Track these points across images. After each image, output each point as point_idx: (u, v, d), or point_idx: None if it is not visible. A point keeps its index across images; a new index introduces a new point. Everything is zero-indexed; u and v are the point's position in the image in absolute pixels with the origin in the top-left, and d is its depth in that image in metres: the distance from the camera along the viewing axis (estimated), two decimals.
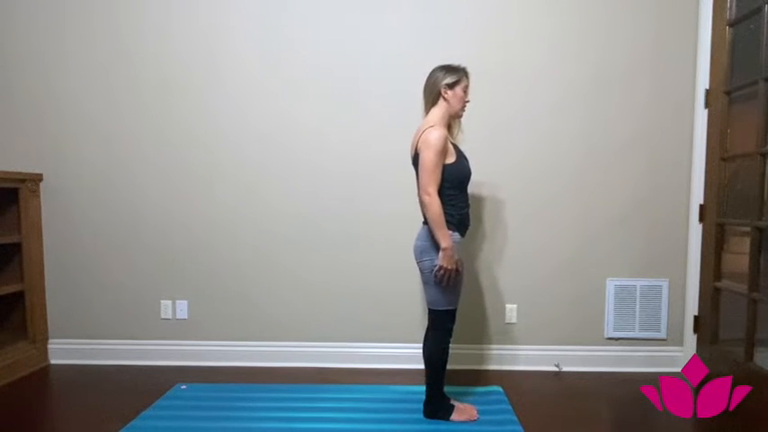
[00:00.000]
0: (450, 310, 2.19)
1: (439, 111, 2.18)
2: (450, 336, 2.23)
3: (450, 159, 2.14)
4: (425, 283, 2.19)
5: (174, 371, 2.92)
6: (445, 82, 2.17)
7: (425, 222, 2.18)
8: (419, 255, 2.19)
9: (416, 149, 2.15)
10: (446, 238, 2.06)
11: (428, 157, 2.07)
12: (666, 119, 2.89)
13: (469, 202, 2.26)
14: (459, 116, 2.25)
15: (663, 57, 2.86)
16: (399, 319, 2.99)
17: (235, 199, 2.99)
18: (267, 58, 2.92)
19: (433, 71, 2.22)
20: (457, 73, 2.19)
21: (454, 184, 2.15)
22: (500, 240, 2.96)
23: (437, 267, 2.10)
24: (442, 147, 2.07)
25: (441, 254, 2.08)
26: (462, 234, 2.21)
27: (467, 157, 2.26)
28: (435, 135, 2.07)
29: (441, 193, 2.10)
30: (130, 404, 2.44)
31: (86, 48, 2.95)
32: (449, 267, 2.08)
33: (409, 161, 2.28)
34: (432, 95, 2.20)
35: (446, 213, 2.10)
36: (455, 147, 2.21)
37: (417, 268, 2.23)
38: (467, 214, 2.23)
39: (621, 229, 2.94)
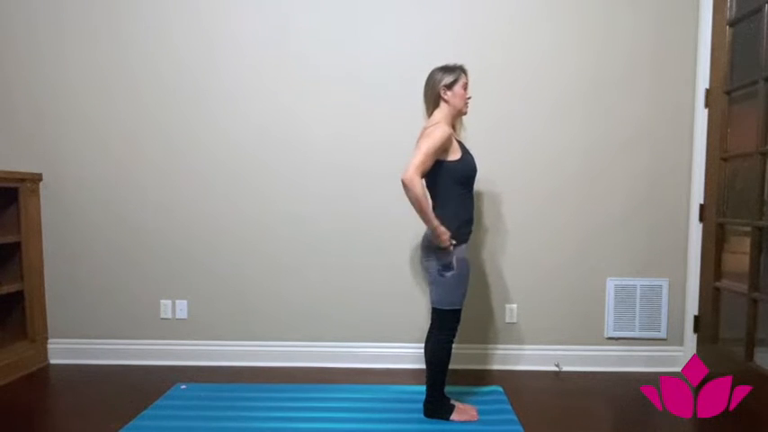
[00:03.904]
0: (455, 309, 2.19)
1: (440, 112, 2.18)
2: (454, 336, 2.23)
3: (455, 156, 2.13)
4: (431, 282, 2.19)
5: (174, 371, 2.91)
6: (443, 83, 2.16)
7: None
8: (425, 254, 2.19)
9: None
10: (431, 219, 2.05)
11: (426, 144, 2.06)
12: (666, 119, 2.89)
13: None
14: (464, 113, 2.25)
15: (663, 57, 2.86)
16: (399, 319, 2.99)
17: (235, 199, 2.98)
18: (269, 58, 2.92)
19: (431, 73, 2.22)
20: (454, 72, 2.18)
21: (461, 180, 2.15)
22: (500, 240, 2.96)
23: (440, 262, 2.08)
24: (443, 143, 2.07)
25: (431, 233, 2.08)
26: (466, 240, 2.20)
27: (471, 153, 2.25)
28: (440, 130, 2.08)
29: (450, 193, 2.10)
30: (130, 404, 2.44)
31: (86, 47, 2.94)
32: (444, 245, 2.07)
33: None
34: (432, 98, 2.20)
35: (455, 215, 2.10)
36: (459, 143, 2.20)
37: (419, 268, 2.23)
38: (472, 218, 2.22)
39: (621, 228, 2.94)
